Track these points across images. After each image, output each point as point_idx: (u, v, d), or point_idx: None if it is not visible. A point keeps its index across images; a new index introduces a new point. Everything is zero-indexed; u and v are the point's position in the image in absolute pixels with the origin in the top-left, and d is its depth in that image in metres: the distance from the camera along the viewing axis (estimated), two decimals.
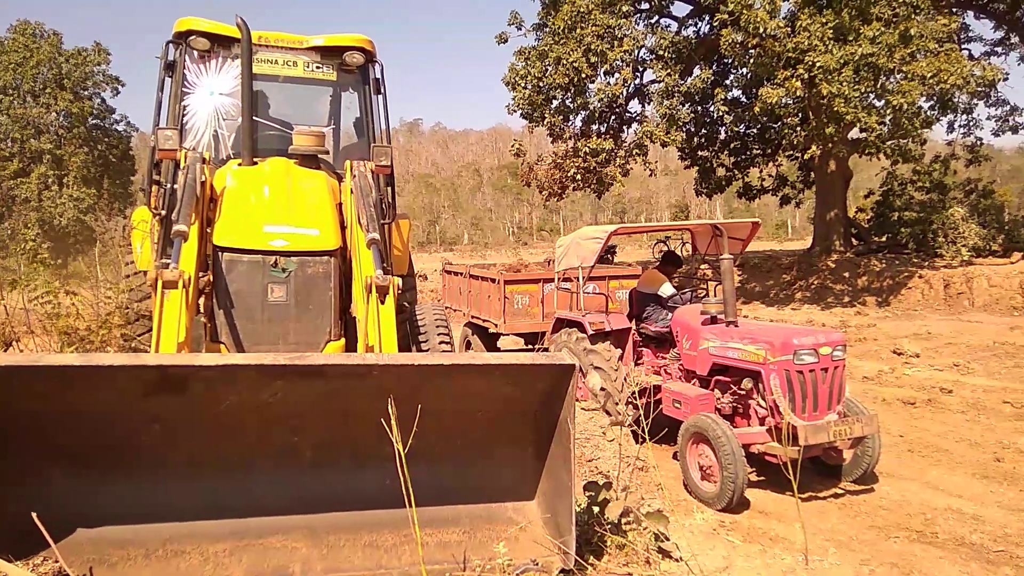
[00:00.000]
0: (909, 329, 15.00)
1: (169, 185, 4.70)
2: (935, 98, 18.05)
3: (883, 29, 16.63)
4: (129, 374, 2.78)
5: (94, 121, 40.67)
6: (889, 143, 19.00)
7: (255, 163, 5.07)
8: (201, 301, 4.45)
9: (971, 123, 24.63)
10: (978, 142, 24.86)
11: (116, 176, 41.00)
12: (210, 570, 3.00)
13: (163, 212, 4.67)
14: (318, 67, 6.00)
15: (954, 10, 20.86)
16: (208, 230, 4.59)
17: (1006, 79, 20.85)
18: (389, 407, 2.71)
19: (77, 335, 7.87)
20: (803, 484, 6.42)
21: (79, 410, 2.89)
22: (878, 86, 17.16)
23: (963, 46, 23.49)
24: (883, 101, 17.39)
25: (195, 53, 5.70)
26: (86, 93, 39.68)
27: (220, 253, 4.42)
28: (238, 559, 3.05)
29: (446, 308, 10.98)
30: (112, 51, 40.31)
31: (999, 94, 23.88)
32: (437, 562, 3.14)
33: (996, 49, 25.25)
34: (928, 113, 18.52)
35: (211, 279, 4.39)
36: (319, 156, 5.37)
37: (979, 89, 18.70)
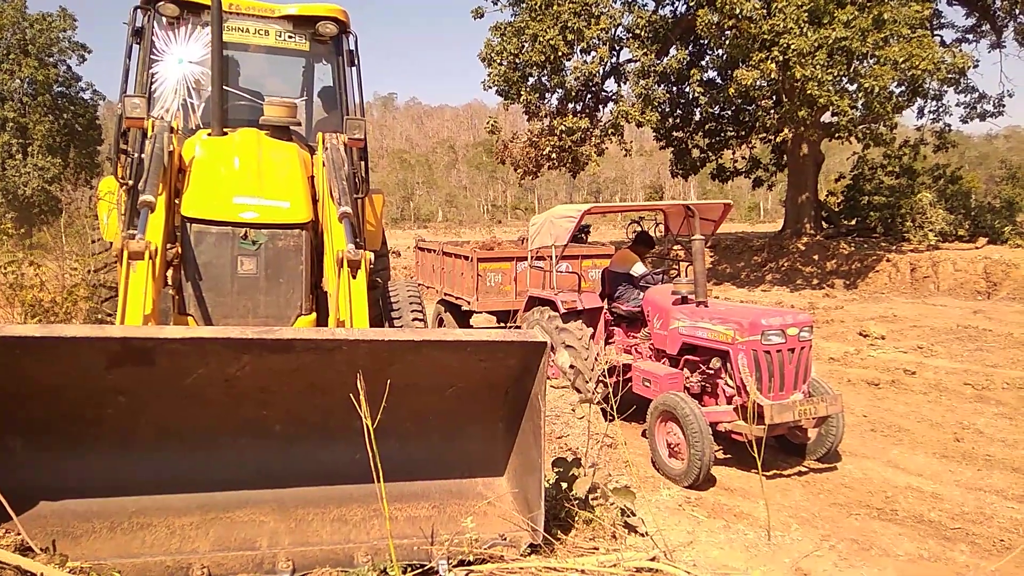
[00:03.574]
0: (875, 311, 15.25)
1: (136, 155, 4.60)
2: (906, 83, 18.25)
3: (857, 13, 16.75)
4: (92, 345, 2.73)
5: (59, 89, 39.57)
6: (860, 127, 19.20)
7: (225, 133, 4.97)
8: (169, 273, 4.38)
9: (940, 109, 24.94)
10: (947, 128, 25.19)
11: (82, 145, 40.03)
12: (176, 543, 2.98)
13: (130, 182, 4.57)
14: (290, 36, 5.89)
15: None
16: (176, 201, 4.51)
17: (976, 66, 21.13)
18: (358, 382, 2.70)
19: (41, 307, 7.74)
20: (768, 462, 6.54)
21: (41, 382, 2.84)
22: (851, 70, 17.31)
23: (935, 32, 23.71)
24: (855, 85, 17.55)
25: (164, 19, 5.56)
26: (51, 60, 38.55)
27: (188, 224, 4.34)
28: (205, 532, 3.03)
29: (419, 285, 10.95)
30: (79, 17, 39.25)
31: (968, 81, 24.17)
32: (406, 536, 3.14)
33: (967, 36, 25.56)
34: (899, 98, 18.72)
35: (179, 251, 4.32)
36: (291, 128, 5.29)
37: (949, 76, 18.91)
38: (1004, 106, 24.50)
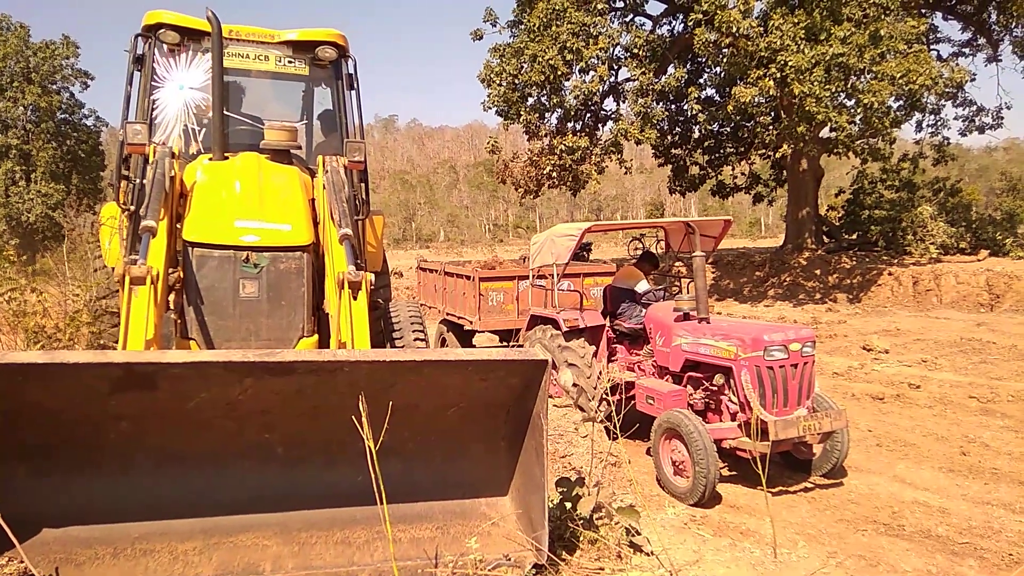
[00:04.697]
0: (878, 325, 15.22)
1: (138, 180, 4.64)
2: (904, 98, 18.34)
3: (853, 30, 16.86)
4: (95, 371, 2.75)
5: (63, 116, 39.85)
6: (859, 142, 19.28)
7: (226, 158, 5.01)
8: (171, 298, 4.40)
9: (939, 123, 25.04)
10: (945, 141, 25.27)
11: (85, 172, 40.23)
12: (180, 569, 2.97)
13: (132, 207, 4.61)
14: (290, 61, 5.96)
15: (923, 11, 21.18)
16: (178, 226, 4.54)
17: (973, 80, 21.23)
18: (360, 403, 2.70)
19: (44, 333, 7.75)
20: (773, 478, 6.50)
21: (45, 408, 2.85)
22: (848, 86, 17.40)
23: (932, 47, 23.86)
24: (853, 101, 17.64)
25: (164, 47, 5.63)
26: (54, 87, 38.84)
27: (190, 249, 4.37)
28: (208, 557, 3.03)
29: (421, 305, 10.97)
30: (81, 44, 39.56)
31: (966, 94, 24.29)
32: (409, 558, 3.14)
33: (964, 50, 25.70)
34: (897, 113, 18.80)
35: (181, 275, 4.34)
36: (291, 151, 5.33)
37: (947, 90, 19.00)
38: (1003, 118, 24.62)
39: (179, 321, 4.40)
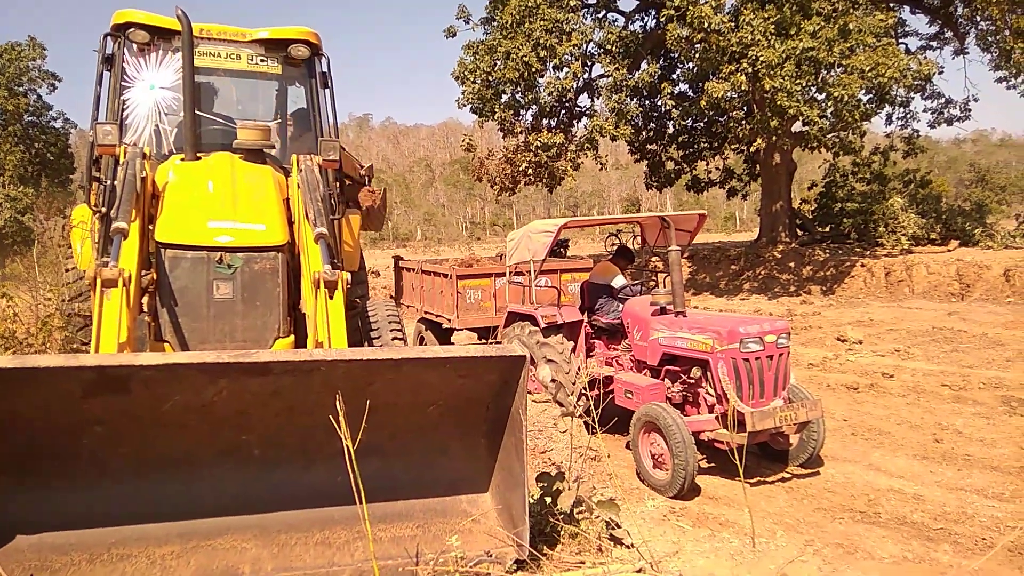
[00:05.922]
0: (852, 316, 15.41)
1: (109, 182, 4.57)
2: (873, 91, 18.57)
3: (823, 24, 17.05)
4: (67, 375, 2.71)
5: (30, 118, 39.31)
6: (830, 136, 19.48)
7: (198, 158, 4.96)
8: (145, 300, 4.34)
9: (908, 115, 25.39)
10: (915, 134, 25.63)
11: (54, 175, 39.71)
12: (157, 573, 2.94)
13: (103, 209, 4.54)
14: (262, 60, 5.89)
15: (891, 5, 21.44)
16: (150, 227, 4.48)
17: (941, 72, 21.53)
18: (337, 403, 2.69)
19: (15, 339, 7.63)
20: (751, 469, 6.57)
21: (16, 414, 2.80)
22: (819, 80, 17.58)
23: (900, 40, 24.17)
24: (824, 94, 17.83)
25: (134, 46, 5.54)
26: (21, 89, 38.27)
27: (163, 250, 4.32)
28: (186, 561, 3.00)
29: (399, 304, 10.93)
30: (48, 46, 38.94)
31: (934, 87, 24.66)
32: (390, 557, 3.13)
33: (931, 43, 26.06)
34: (867, 106, 19.04)
35: (154, 277, 4.29)
36: (265, 150, 5.28)
37: (915, 82, 19.27)
38: (970, 110, 25.02)
39: (153, 323, 4.35)
